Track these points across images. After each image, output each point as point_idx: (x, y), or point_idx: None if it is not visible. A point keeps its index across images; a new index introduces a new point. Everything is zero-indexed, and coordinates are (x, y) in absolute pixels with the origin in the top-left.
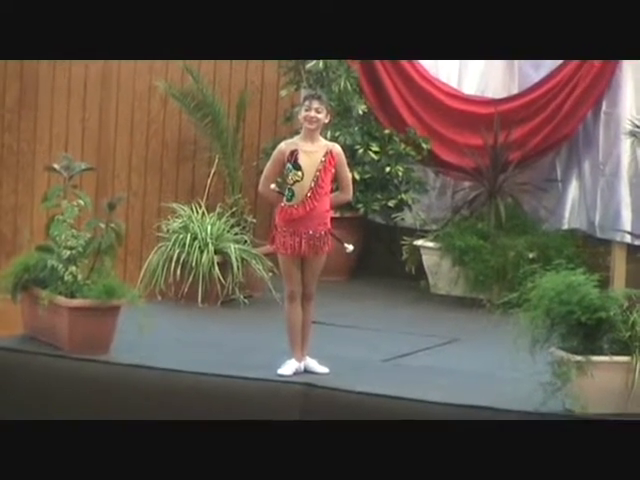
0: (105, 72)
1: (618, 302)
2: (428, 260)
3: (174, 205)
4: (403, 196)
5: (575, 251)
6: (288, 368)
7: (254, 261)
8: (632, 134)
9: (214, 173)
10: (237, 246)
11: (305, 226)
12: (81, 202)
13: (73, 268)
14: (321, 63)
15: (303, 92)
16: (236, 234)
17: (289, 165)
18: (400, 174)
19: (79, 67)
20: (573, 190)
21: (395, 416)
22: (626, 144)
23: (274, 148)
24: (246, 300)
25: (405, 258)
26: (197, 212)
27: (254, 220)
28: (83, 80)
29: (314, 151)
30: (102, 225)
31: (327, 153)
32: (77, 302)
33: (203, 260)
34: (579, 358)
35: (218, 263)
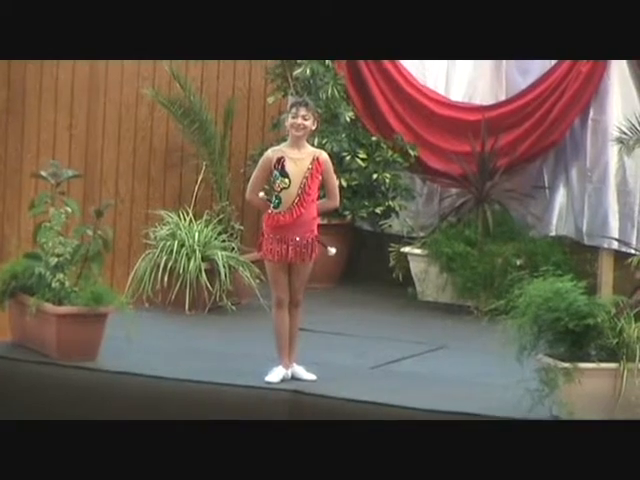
0: (92, 79)
1: (605, 309)
2: (415, 267)
3: (162, 212)
4: (390, 203)
5: (562, 258)
6: (275, 375)
7: (241, 268)
8: (619, 141)
9: (201, 180)
10: (224, 253)
11: (292, 233)
12: (68, 209)
13: (61, 275)
14: (308, 70)
15: (290, 99)
16: (223, 241)
17: (276, 172)
18: (387, 181)
19: (66, 74)
20: (560, 197)
21: None
22: (613, 151)
23: (261, 155)
24: (233, 307)
25: (392, 265)
26: (184, 219)
27: (241, 227)
28: (70, 87)
29: (301, 158)
30: (89, 232)
31: (314, 160)
32: (65, 309)
33: (190, 267)
34: (566, 365)
35: (205, 270)
